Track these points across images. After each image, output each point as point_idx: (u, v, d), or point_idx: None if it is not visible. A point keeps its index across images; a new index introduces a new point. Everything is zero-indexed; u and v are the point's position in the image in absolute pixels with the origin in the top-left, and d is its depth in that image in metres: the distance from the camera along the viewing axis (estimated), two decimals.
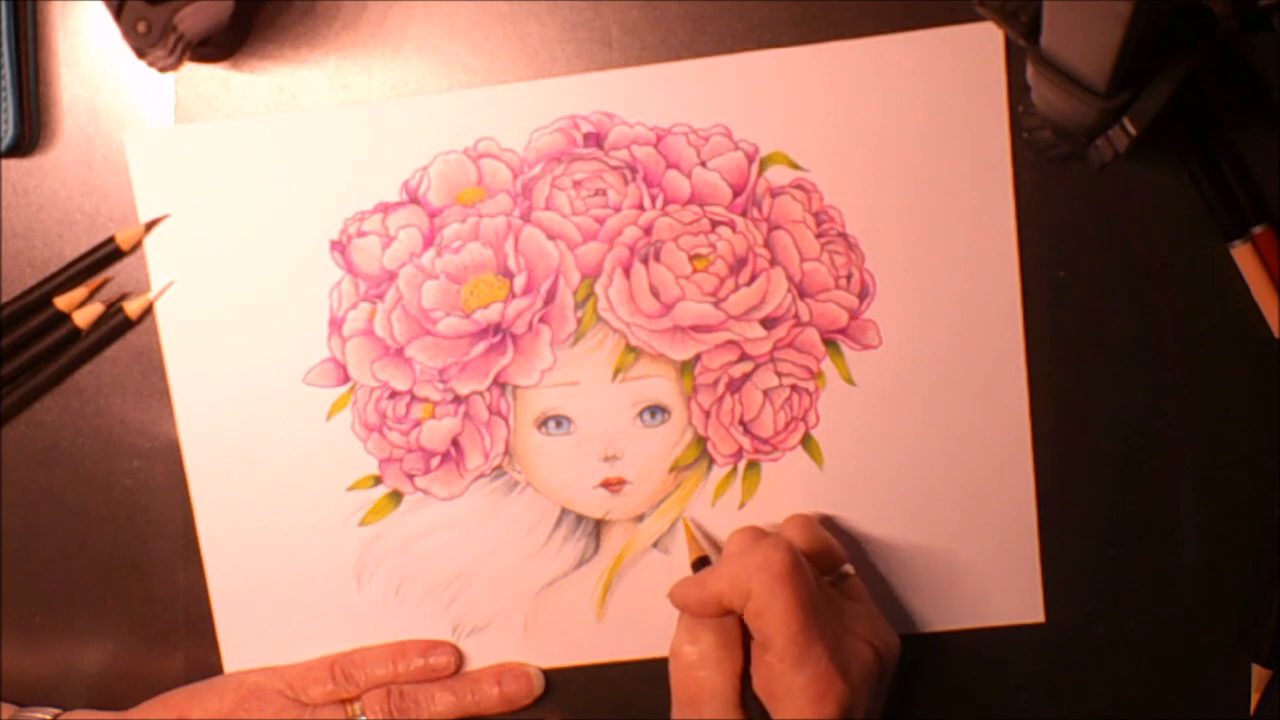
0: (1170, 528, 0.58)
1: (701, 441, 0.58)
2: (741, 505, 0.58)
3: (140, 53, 0.51)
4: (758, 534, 0.54)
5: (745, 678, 0.52)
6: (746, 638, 0.52)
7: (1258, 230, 0.56)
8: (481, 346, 0.58)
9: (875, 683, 0.51)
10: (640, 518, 0.59)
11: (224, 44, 0.57)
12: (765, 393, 0.58)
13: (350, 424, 0.58)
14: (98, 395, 0.59)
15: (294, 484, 0.59)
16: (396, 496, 0.59)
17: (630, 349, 0.58)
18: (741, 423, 0.58)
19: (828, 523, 0.58)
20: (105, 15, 0.51)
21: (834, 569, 0.55)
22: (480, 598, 0.59)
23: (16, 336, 0.58)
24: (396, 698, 0.57)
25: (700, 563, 0.56)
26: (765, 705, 0.50)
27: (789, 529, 0.55)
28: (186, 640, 0.60)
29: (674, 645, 0.53)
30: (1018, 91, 0.56)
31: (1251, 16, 0.44)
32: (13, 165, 0.59)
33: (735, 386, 0.58)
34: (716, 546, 0.58)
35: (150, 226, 0.58)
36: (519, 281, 0.57)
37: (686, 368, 0.58)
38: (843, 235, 0.57)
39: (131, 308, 0.58)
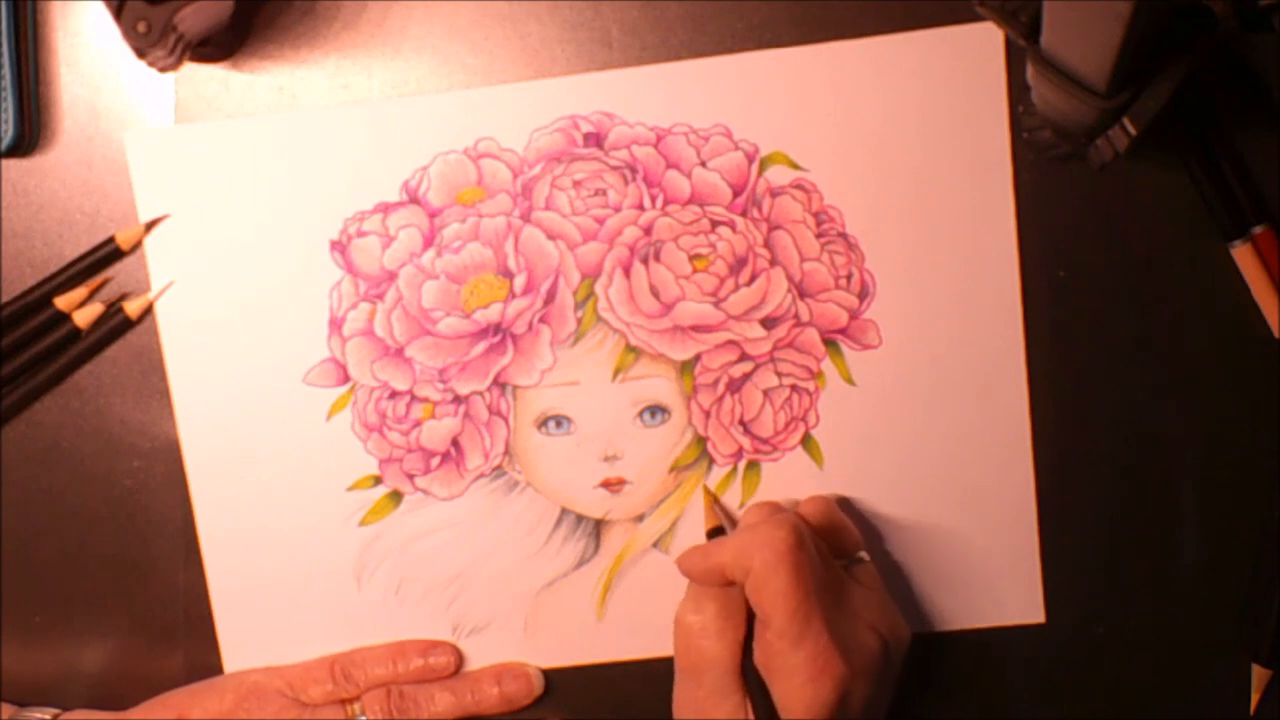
0: (1170, 528, 0.58)
1: (701, 441, 0.58)
2: (741, 505, 0.58)
3: (140, 53, 0.51)
4: (774, 509, 0.54)
5: (747, 649, 0.52)
6: (751, 609, 0.52)
7: (1258, 230, 0.56)
8: (481, 346, 0.58)
9: (878, 670, 0.51)
10: (640, 518, 0.59)
11: (224, 44, 0.57)
12: (765, 393, 0.58)
13: (350, 424, 0.58)
14: (98, 395, 0.59)
15: (294, 484, 0.59)
16: (396, 496, 0.59)
17: (630, 349, 0.58)
18: (741, 423, 0.58)
19: (846, 506, 0.58)
20: (105, 15, 0.51)
21: (849, 553, 0.55)
22: (480, 598, 0.59)
23: (16, 336, 0.58)
24: (396, 698, 0.57)
25: (714, 532, 0.57)
26: (765, 679, 0.50)
27: (806, 507, 0.55)
28: (186, 640, 0.60)
29: (679, 613, 0.53)
30: (1018, 91, 0.56)
31: (1251, 16, 0.44)
32: (13, 165, 0.59)
33: (735, 386, 0.58)
34: (733, 521, 0.58)
35: (150, 226, 0.58)
36: (519, 281, 0.57)
37: (686, 368, 0.58)
38: (843, 235, 0.57)
39: (131, 308, 0.58)
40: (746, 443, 0.58)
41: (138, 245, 0.58)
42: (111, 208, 0.59)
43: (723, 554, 0.52)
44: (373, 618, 0.59)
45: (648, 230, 0.57)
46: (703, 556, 0.53)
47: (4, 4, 0.57)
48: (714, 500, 0.58)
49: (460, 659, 0.59)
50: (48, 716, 0.58)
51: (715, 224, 0.57)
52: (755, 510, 0.55)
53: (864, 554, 0.55)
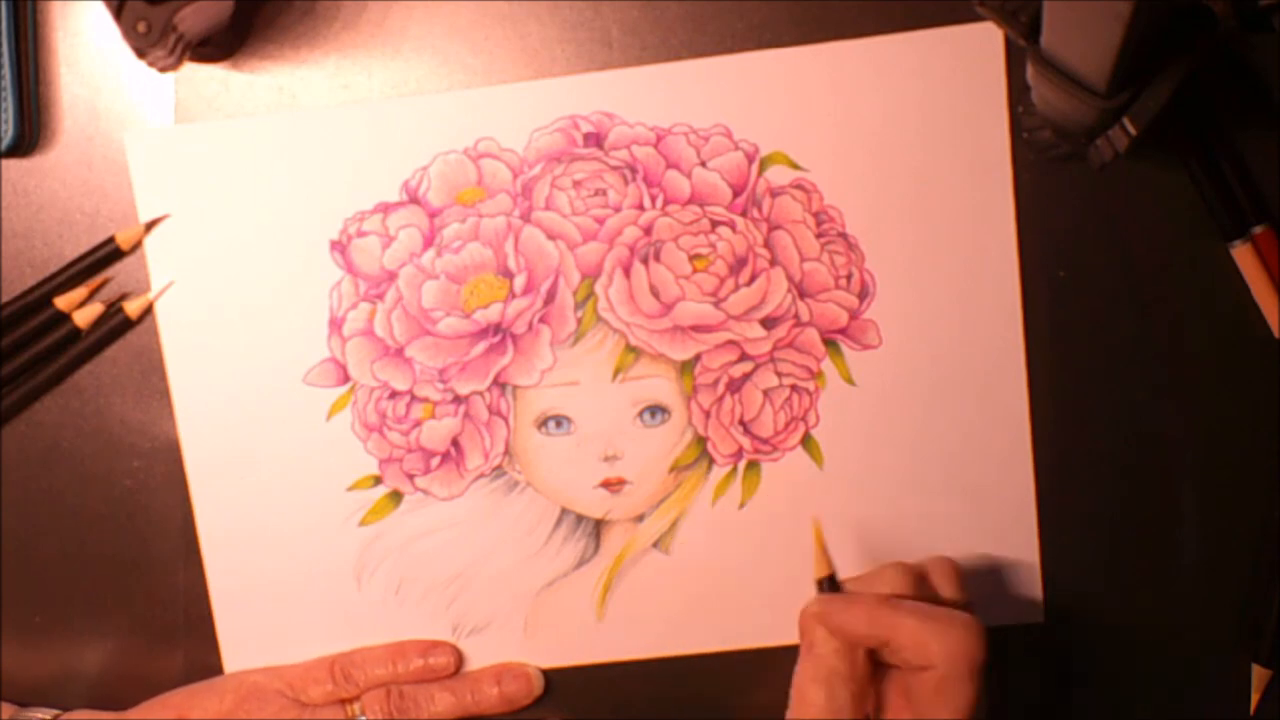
0: (1170, 528, 0.58)
1: (701, 441, 0.58)
2: (741, 505, 0.58)
3: (140, 53, 0.51)
4: (917, 579, 0.51)
5: None
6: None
7: (1258, 230, 0.56)
8: (481, 346, 0.58)
9: None
10: (640, 518, 0.59)
11: (224, 44, 0.57)
12: (765, 393, 0.58)
13: (350, 424, 0.58)
14: (98, 395, 0.59)
15: (294, 484, 0.59)
16: (396, 496, 0.59)
17: (630, 349, 0.58)
18: (741, 423, 0.58)
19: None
20: (105, 15, 0.51)
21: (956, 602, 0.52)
22: (480, 598, 0.59)
23: (16, 336, 0.58)
24: (396, 698, 0.57)
25: (828, 580, 0.51)
26: None
27: (934, 570, 0.52)
28: (186, 640, 0.60)
29: (802, 679, 0.49)
30: (1018, 91, 0.56)
31: (1251, 16, 0.44)
32: (13, 165, 0.59)
33: (735, 386, 0.58)
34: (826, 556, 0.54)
35: (150, 226, 0.58)
36: (519, 281, 0.57)
37: (686, 368, 0.58)
38: (843, 235, 0.57)
39: (131, 308, 0.58)
40: (746, 443, 0.58)
41: (138, 245, 0.58)
42: (111, 208, 0.59)
43: (897, 633, 0.48)
44: (373, 618, 0.59)
45: (648, 230, 0.57)
46: (868, 620, 0.48)
47: (4, 4, 0.57)
48: (824, 543, 0.52)
49: (460, 659, 0.59)
50: (48, 717, 0.58)
51: (715, 224, 0.57)
52: (899, 578, 0.50)
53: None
